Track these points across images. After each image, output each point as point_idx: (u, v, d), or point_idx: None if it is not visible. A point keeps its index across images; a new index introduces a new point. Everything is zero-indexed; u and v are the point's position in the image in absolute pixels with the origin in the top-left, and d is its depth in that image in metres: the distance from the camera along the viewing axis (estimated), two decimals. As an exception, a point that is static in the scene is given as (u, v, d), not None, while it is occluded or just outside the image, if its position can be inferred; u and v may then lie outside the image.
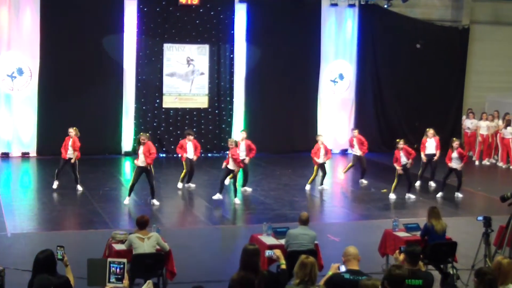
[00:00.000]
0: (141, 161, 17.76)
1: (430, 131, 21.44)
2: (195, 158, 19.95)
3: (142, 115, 25.90)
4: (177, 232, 15.66)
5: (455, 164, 19.57)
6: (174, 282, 11.62)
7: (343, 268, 8.62)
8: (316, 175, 20.37)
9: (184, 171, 20.00)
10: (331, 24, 27.49)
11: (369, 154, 23.13)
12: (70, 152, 19.16)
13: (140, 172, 17.86)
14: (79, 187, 19.38)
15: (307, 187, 20.38)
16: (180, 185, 20.14)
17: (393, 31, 27.98)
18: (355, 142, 21.56)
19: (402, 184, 19.48)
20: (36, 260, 8.19)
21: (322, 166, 20.25)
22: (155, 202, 18.03)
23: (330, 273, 8.82)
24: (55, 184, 19.34)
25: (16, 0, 24.19)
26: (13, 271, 11.70)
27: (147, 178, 17.90)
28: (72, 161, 19.14)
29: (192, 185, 20.28)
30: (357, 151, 21.52)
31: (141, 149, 17.81)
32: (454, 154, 19.56)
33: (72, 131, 19.31)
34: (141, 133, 18.72)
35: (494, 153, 26.19)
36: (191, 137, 20.17)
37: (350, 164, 22.20)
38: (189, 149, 19.92)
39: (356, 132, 21.81)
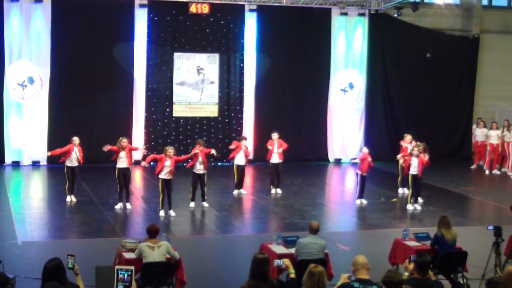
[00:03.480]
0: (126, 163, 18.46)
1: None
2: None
3: (152, 124, 25.97)
4: (187, 240, 15.68)
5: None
6: (184, 290, 11.64)
7: (353, 278, 8.61)
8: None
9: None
10: (341, 33, 27.51)
11: (378, 164, 23.12)
12: (74, 160, 19.14)
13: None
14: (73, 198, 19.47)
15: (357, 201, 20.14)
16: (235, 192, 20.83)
17: (403, 40, 28.00)
18: (275, 146, 20.98)
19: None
20: (44, 269, 8.19)
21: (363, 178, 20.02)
22: (128, 206, 18.53)
23: (339, 283, 8.81)
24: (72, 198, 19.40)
25: (27, 9, 24.33)
26: (24, 279, 11.72)
27: (127, 180, 18.59)
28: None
29: (243, 192, 20.90)
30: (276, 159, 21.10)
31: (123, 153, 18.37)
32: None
33: (77, 139, 19.25)
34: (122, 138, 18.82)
35: (503, 163, 26.08)
36: (245, 142, 20.83)
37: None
38: (240, 155, 20.51)
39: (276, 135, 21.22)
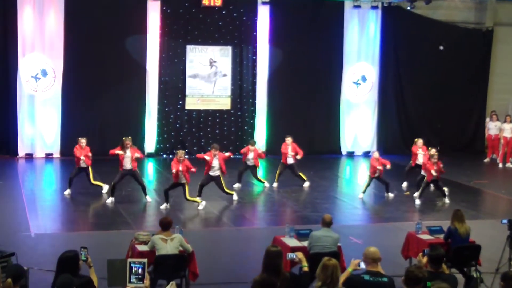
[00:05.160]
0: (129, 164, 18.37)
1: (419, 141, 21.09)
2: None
3: (164, 117, 25.99)
4: (200, 233, 15.71)
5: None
6: (196, 283, 11.65)
7: (363, 265, 8.63)
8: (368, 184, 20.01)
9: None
10: (354, 26, 27.44)
11: (391, 156, 23.07)
12: (82, 162, 19.19)
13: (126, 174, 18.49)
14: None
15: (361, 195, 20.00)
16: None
17: (416, 33, 27.86)
18: (289, 150, 20.82)
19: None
20: (60, 259, 8.25)
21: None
22: (148, 198, 18.60)
23: (349, 269, 8.84)
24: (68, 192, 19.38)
25: (40, 1, 24.36)
26: (37, 271, 11.77)
27: (136, 180, 18.61)
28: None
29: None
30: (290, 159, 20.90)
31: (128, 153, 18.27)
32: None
33: (84, 142, 19.27)
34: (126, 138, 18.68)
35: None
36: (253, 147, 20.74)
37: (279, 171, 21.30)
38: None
39: (290, 139, 20.96)
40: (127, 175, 18.49)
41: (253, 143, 21.00)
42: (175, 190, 18.01)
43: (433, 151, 19.28)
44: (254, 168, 20.73)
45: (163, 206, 17.83)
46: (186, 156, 17.99)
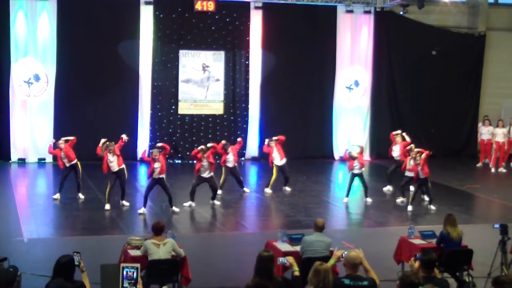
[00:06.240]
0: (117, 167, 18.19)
1: (398, 137, 21.16)
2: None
3: (157, 122, 25.98)
4: (192, 238, 15.70)
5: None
6: (189, 288, 11.65)
7: (346, 254, 8.67)
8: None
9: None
10: (347, 31, 27.46)
11: (384, 162, 23.06)
12: (66, 162, 19.14)
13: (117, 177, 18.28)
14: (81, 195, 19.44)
15: (345, 200, 19.91)
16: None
17: (408, 38, 27.91)
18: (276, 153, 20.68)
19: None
20: (57, 263, 8.25)
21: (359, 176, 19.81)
22: (125, 203, 18.53)
23: (332, 261, 8.86)
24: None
25: (33, 6, 24.34)
26: (30, 276, 11.73)
27: (122, 183, 18.40)
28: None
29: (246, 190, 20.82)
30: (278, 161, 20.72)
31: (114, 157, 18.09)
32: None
33: (62, 143, 19.24)
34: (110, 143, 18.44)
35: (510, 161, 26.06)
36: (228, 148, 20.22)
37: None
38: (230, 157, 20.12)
39: (273, 142, 20.76)
40: (118, 177, 18.30)
41: (227, 146, 20.29)
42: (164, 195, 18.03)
43: (414, 152, 19.08)
44: (235, 169, 20.44)
45: (176, 209, 17.90)
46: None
